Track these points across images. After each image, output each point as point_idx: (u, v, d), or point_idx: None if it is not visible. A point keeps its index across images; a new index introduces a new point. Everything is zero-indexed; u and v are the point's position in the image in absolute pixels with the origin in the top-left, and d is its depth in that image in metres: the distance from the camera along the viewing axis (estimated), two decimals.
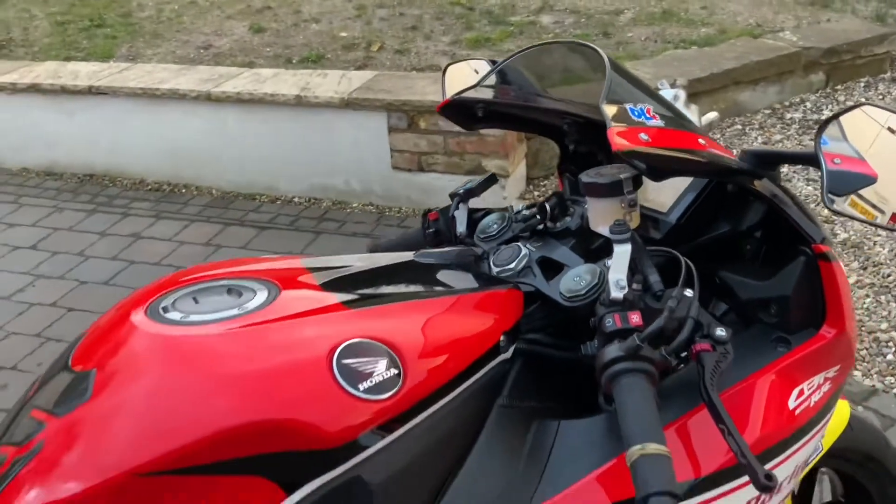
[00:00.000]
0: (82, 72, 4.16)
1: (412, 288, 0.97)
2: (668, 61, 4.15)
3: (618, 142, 0.84)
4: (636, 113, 0.91)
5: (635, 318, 0.86)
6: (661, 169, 0.88)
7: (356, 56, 4.44)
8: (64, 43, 4.93)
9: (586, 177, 0.95)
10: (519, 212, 1.14)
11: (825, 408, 1.03)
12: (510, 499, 0.87)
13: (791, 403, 0.97)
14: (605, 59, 0.96)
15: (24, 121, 4.27)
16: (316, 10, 5.22)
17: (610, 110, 0.89)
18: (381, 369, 0.79)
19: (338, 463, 0.75)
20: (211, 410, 0.72)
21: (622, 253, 0.90)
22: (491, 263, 1.06)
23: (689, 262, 0.93)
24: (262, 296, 0.84)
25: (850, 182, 0.88)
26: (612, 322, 0.86)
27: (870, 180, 0.88)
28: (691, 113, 1.10)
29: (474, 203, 1.23)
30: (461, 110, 1.20)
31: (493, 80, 1.19)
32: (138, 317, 0.80)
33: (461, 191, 1.22)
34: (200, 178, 4.01)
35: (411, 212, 3.57)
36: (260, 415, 0.72)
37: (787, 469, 0.99)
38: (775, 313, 1.00)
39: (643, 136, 0.88)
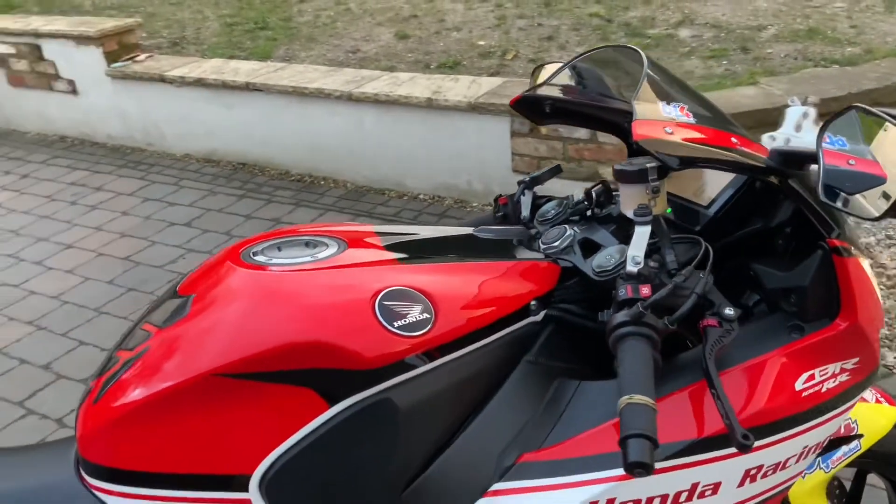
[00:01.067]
0: (242, 69, 4.58)
1: (461, 253, 1.13)
2: (806, 79, 4.07)
3: (638, 132, 0.97)
4: (667, 110, 1.03)
5: (645, 290, 0.97)
6: (681, 159, 0.99)
7: (490, 63, 4.63)
8: (230, 43, 5.41)
9: (618, 165, 1.07)
10: (576, 200, 1.28)
11: (840, 397, 1.10)
12: (525, 438, 1.01)
13: (798, 385, 1.05)
14: (644, 60, 1.08)
15: (189, 111, 4.75)
16: (459, 20, 5.46)
17: (640, 106, 1.01)
18: (415, 313, 0.95)
19: (371, 384, 0.92)
20: (276, 330, 0.91)
21: (642, 233, 1.02)
22: (540, 242, 1.20)
23: (709, 246, 1.04)
24: (331, 249, 1.03)
25: (862, 181, 0.96)
26: (624, 292, 0.98)
27: (880, 181, 0.96)
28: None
29: (540, 190, 1.37)
30: (532, 106, 1.32)
31: (563, 79, 1.31)
32: (233, 258, 1.01)
33: (528, 178, 1.36)
34: (337, 172, 4.33)
35: None
36: (313, 336, 0.91)
37: (794, 447, 1.07)
38: (794, 303, 1.09)
39: (668, 129, 1.00)
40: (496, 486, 0.98)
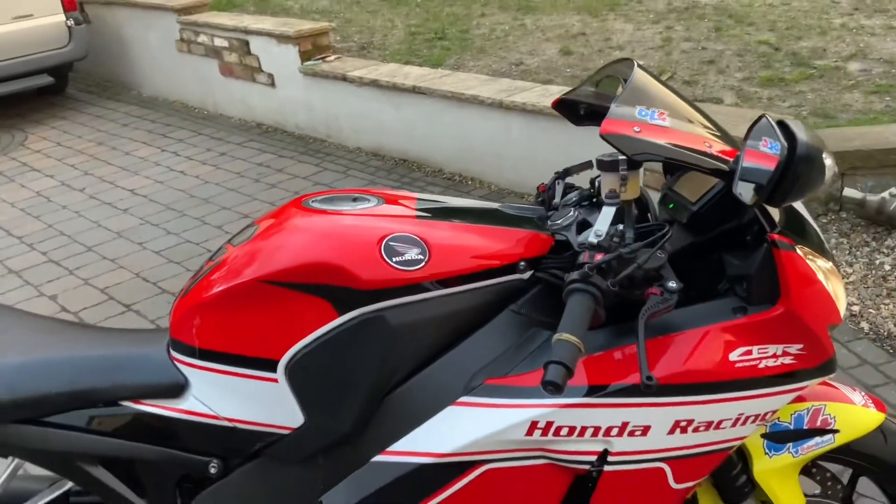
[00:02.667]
0: (412, 74, 5.03)
1: (475, 220, 1.40)
2: None
3: (605, 127, 1.20)
4: (643, 113, 1.24)
5: (599, 257, 1.20)
6: (642, 152, 1.20)
7: None
8: (409, 50, 5.91)
9: (599, 156, 1.30)
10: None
11: (782, 378, 1.27)
12: (493, 367, 1.27)
13: (733, 357, 1.24)
14: (634, 70, 1.30)
15: (364, 109, 5.27)
16: (625, 39, 5.63)
17: (618, 108, 1.23)
18: (412, 253, 1.25)
19: (370, 302, 1.23)
20: (303, 252, 1.24)
21: (607, 212, 1.25)
22: (549, 220, 1.45)
23: (670, 230, 1.25)
24: (369, 203, 1.35)
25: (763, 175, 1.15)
26: (582, 258, 1.22)
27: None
28: None
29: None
30: (570, 108, 1.56)
31: (603, 86, 1.53)
32: (296, 204, 1.35)
33: (561, 170, 1.60)
34: (484, 174, 4.67)
35: None
36: (329, 260, 1.22)
37: (728, 411, 1.25)
38: (745, 288, 1.27)
39: (636, 128, 1.22)
40: (462, 399, 1.25)
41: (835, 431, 1.46)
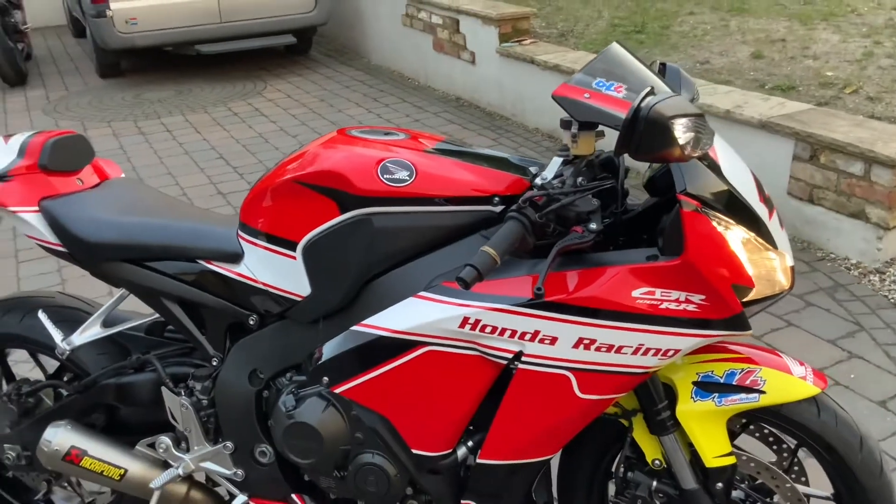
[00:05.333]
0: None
1: (474, 160, 1.71)
2: None
3: (557, 91, 1.48)
4: (600, 84, 1.51)
5: (536, 196, 1.50)
6: (583, 113, 1.47)
7: (825, 94, 4.68)
8: (604, 40, 6.12)
9: (562, 117, 1.57)
10: None
11: (684, 321, 1.48)
12: (451, 274, 1.60)
13: (636, 293, 1.48)
14: (610, 47, 1.57)
15: (546, 92, 5.57)
16: (823, 50, 5.47)
17: (578, 76, 1.51)
18: (401, 174, 1.61)
19: (363, 206, 1.61)
20: (324, 162, 1.64)
21: (555, 161, 1.54)
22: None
23: (605, 182, 1.51)
24: (395, 137, 1.72)
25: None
26: (526, 195, 1.51)
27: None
28: None
29: None
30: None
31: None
32: (341, 131, 1.76)
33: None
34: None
35: (799, 242, 3.84)
36: (340, 170, 1.62)
37: (628, 339, 1.48)
38: (663, 240, 1.50)
39: (586, 95, 1.49)
40: (420, 293, 1.60)
41: (761, 392, 1.63)
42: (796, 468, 1.78)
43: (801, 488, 1.74)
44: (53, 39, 10.22)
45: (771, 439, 1.78)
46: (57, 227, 1.89)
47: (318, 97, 6.99)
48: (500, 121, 6.07)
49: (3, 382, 2.22)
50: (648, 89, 1.38)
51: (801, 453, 1.75)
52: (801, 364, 1.70)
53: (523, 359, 1.55)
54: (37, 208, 1.90)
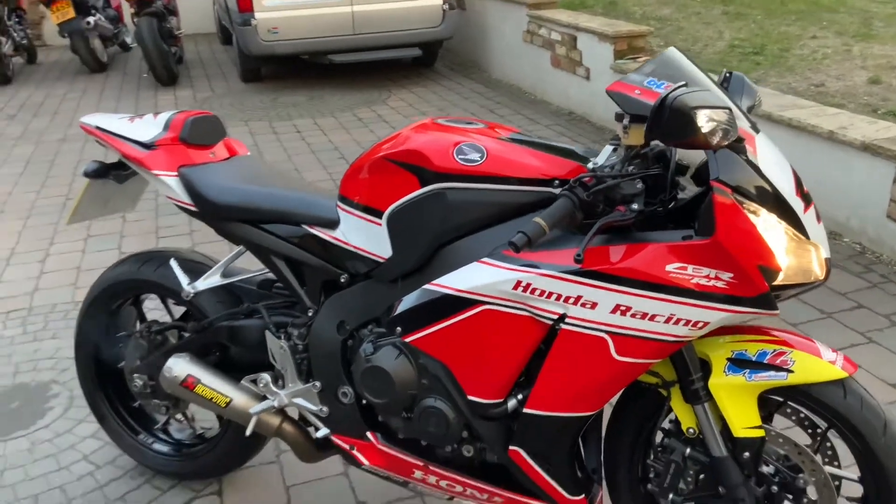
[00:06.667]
0: None
1: (541, 149, 1.94)
2: None
3: (610, 86, 1.70)
4: (651, 83, 1.71)
5: (587, 178, 1.71)
6: (631, 107, 1.67)
7: None
8: (720, 61, 6.17)
9: (616, 111, 1.77)
10: None
11: (713, 296, 1.65)
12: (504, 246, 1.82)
13: (669, 268, 1.66)
14: (668, 51, 1.76)
15: None
16: None
17: (633, 76, 1.72)
18: (474, 156, 1.86)
19: (439, 181, 1.87)
20: (412, 142, 1.92)
21: (607, 149, 1.75)
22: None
23: (660, 174, 1.71)
24: (477, 126, 1.98)
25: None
26: (579, 177, 1.73)
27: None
28: None
29: None
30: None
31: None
32: (432, 119, 2.03)
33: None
34: None
35: (890, 262, 3.82)
36: (422, 150, 1.89)
37: (660, 308, 1.66)
38: (697, 222, 1.68)
39: (637, 91, 1.69)
40: (483, 259, 1.84)
41: (789, 371, 1.77)
42: (829, 452, 1.90)
43: (830, 469, 1.86)
44: (203, 45, 11.13)
45: (806, 423, 1.91)
46: (191, 191, 2.25)
47: (438, 107, 7.35)
48: (607, 134, 6.22)
49: (138, 323, 2.61)
50: (682, 84, 1.58)
51: (833, 437, 1.87)
52: (834, 351, 1.82)
53: (567, 320, 1.76)
54: (176, 174, 2.28)
